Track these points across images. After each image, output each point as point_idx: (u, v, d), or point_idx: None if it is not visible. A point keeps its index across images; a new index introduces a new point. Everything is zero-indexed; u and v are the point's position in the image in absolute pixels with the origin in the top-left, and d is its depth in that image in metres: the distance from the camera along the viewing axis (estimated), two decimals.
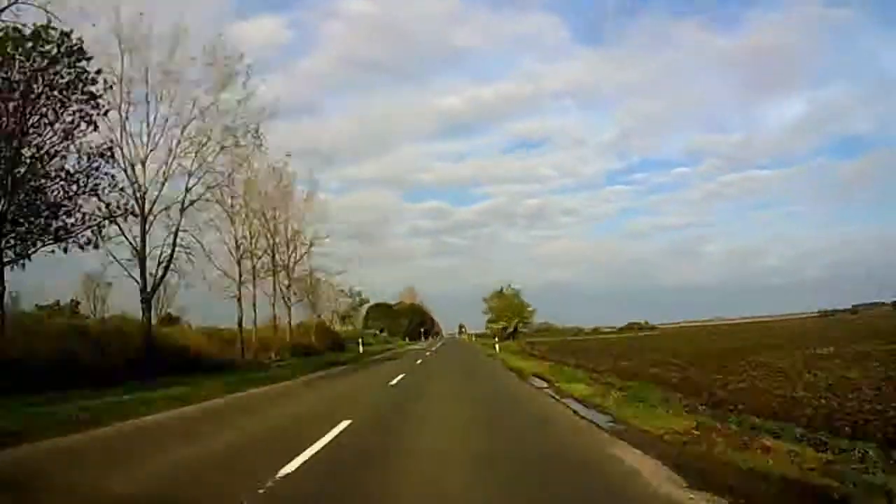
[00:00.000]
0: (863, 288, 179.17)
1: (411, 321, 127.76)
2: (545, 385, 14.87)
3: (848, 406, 8.47)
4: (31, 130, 18.09)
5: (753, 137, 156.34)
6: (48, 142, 18.59)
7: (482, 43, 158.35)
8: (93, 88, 19.60)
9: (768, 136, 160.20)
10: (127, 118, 23.49)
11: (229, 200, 32.31)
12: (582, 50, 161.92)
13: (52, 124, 18.49)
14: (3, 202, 17.24)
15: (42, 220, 18.60)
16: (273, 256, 39.17)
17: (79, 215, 19.63)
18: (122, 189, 21.66)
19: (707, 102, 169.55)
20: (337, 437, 8.18)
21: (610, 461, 6.20)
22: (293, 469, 6.16)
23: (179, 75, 24.30)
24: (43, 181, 18.66)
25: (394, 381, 18.17)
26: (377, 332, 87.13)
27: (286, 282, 41.10)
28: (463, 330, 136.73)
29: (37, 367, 15.82)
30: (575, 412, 9.86)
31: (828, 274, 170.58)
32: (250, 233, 35.35)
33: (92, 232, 20.18)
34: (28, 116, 17.84)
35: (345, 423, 9.14)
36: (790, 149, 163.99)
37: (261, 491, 5.30)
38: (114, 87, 21.58)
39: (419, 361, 31.82)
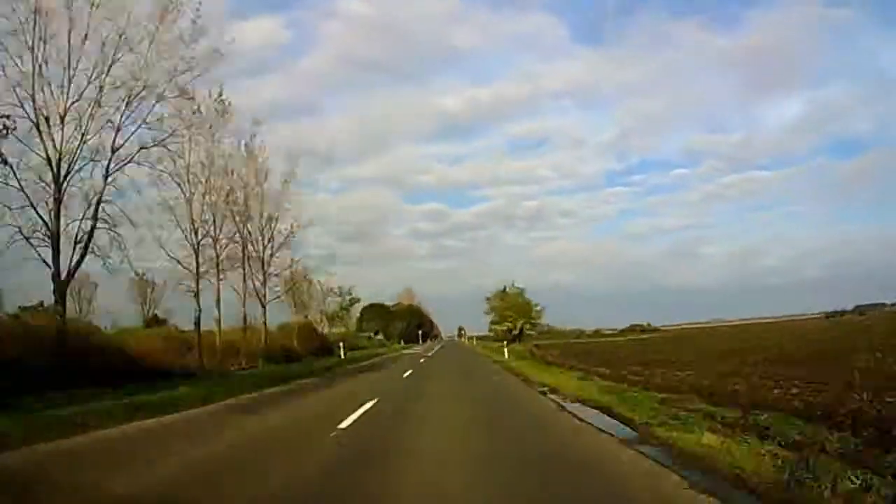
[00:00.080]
0: (863, 288, 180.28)
1: (409, 323, 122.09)
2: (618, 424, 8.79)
3: None
4: None
5: (753, 138, 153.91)
6: None
7: (481, 43, 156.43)
8: None
9: (768, 137, 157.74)
10: (45, 62, 18.12)
11: (183, 173, 26.79)
12: (581, 50, 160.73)
13: None
14: None
15: None
16: (244, 247, 33.56)
17: None
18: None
19: (706, 102, 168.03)
20: None
21: None
22: None
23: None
24: None
25: (349, 421, 10.11)
26: (371, 334, 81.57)
27: (260, 276, 35.49)
28: (462, 333, 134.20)
29: None
30: None
31: (828, 274, 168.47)
32: (213, 215, 29.74)
33: None
34: None
35: None
36: (790, 149, 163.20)
37: None
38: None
39: (408, 373, 25.30)
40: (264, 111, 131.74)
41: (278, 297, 36.90)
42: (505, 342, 56.38)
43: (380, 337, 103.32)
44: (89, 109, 18.71)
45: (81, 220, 18.83)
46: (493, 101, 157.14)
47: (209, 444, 8.65)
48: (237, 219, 32.16)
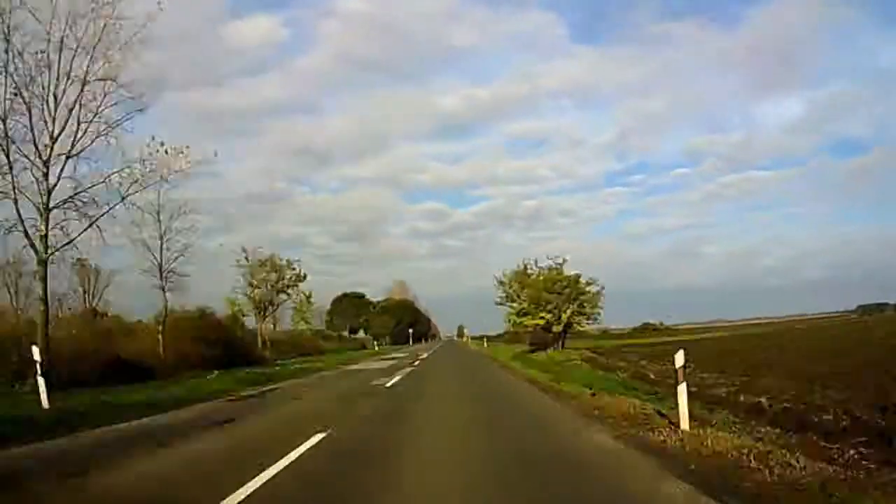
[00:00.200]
0: (863, 289, 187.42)
1: (399, 321, 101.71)
2: None
3: None
4: None
5: (753, 138, 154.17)
6: None
7: (480, 42, 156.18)
8: None
9: (768, 137, 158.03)
10: None
11: None
12: (580, 49, 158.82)
13: None
14: None
15: None
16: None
17: None
18: None
19: (706, 102, 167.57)
20: None
21: None
22: None
23: None
24: None
25: None
26: (344, 333, 61.25)
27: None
28: (464, 333, 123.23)
29: None
30: None
31: (828, 274, 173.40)
32: None
33: None
34: None
35: None
36: (790, 149, 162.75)
37: None
38: None
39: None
40: (263, 110, 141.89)
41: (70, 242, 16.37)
42: (530, 345, 36.38)
43: (364, 336, 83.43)
44: None
45: None
46: (492, 100, 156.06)
47: None
48: None
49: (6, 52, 15.40)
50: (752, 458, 5.46)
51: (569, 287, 31.05)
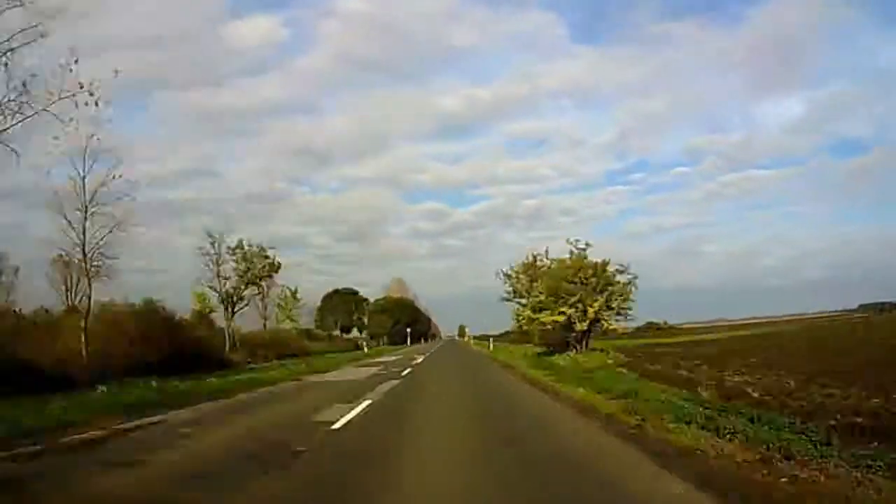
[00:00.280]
0: (863, 289, 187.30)
1: (397, 320, 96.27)
2: None
3: None
4: None
5: (753, 137, 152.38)
6: None
7: (480, 42, 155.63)
8: None
9: (768, 136, 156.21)
10: None
11: None
12: (580, 49, 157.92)
13: None
14: None
15: None
16: None
17: None
18: None
19: (706, 102, 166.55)
20: None
21: None
22: None
23: None
24: None
25: None
26: (335, 332, 55.84)
27: None
28: (465, 332, 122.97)
29: None
30: None
31: (828, 274, 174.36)
32: None
33: None
34: None
35: None
36: (790, 149, 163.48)
37: None
38: None
39: None
40: (263, 110, 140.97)
41: None
42: (544, 347, 31.00)
43: (359, 335, 77.97)
44: None
45: None
46: (493, 100, 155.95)
47: None
48: None
49: None
50: None
51: (595, 275, 25.51)
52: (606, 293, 25.18)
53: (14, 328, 19.61)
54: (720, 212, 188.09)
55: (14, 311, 23.27)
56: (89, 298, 20.15)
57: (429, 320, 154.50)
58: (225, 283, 31.59)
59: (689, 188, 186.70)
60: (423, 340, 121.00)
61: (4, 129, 12.60)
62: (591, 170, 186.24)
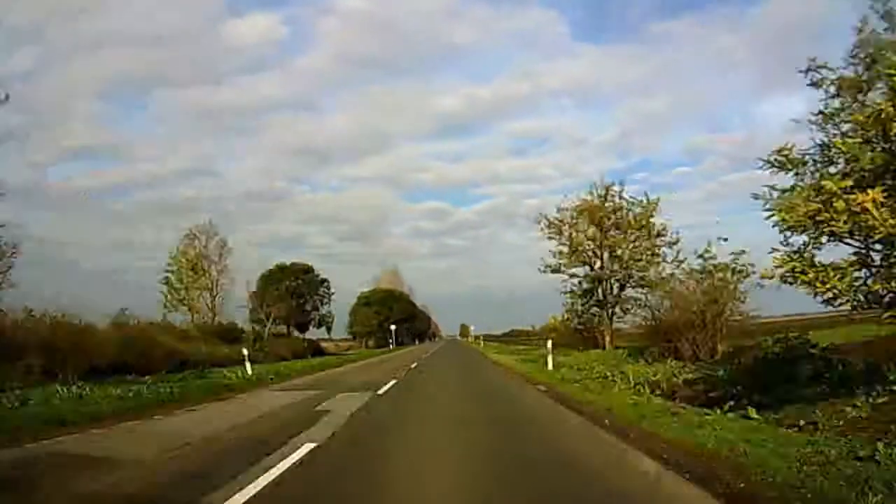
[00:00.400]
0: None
1: (386, 317, 77.57)
2: None
3: None
4: None
5: (755, 136, 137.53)
6: None
7: (480, 40, 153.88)
8: None
9: (770, 136, 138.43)
10: None
11: None
12: (581, 47, 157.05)
13: None
14: None
15: None
16: None
17: None
18: None
19: (707, 101, 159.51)
20: None
21: None
22: None
23: None
24: None
25: None
26: (266, 325, 36.81)
27: None
28: (469, 332, 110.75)
29: None
30: None
31: None
32: None
33: None
34: None
35: None
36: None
37: None
38: None
39: None
40: (263, 108, 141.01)
41: None
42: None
43: (327, 337, 59.37)
44: None
45: None
46: (493, 99, 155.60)
47: None
48: None
49: None
50: None
51: None
52: None
53: None
54: (722, 212, 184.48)
55: None
56: None
57: (429, 319, 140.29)
58: None
59: (690, 188, 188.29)
60: (419, 341, 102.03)
61: None
62: (593, 169, 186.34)
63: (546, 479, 5.47)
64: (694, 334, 16.66)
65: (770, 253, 8.54)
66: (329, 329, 54.41)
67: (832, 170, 8.44)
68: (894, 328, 9.06)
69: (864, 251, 8.01)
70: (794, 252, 8.20)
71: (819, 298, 8.06)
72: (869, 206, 6.59)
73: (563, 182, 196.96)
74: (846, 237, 7.81)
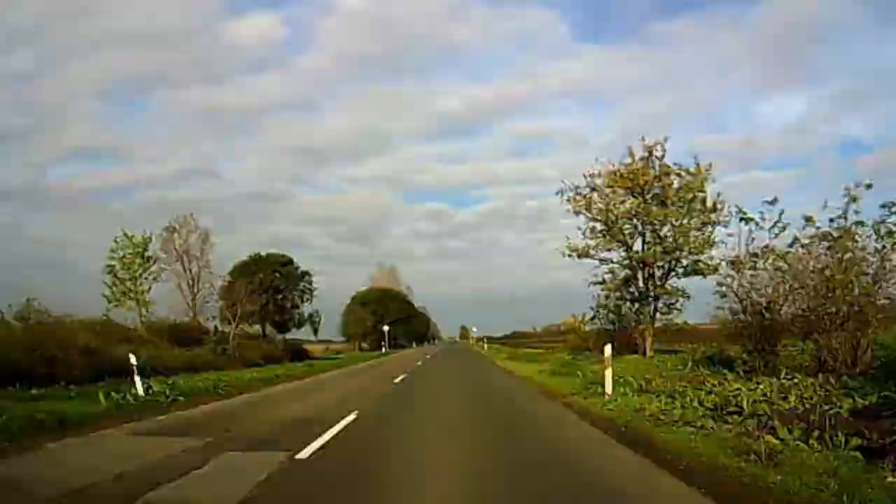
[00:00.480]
0: None
1: (381, 319, 71.33)
2: None
3: None
4: None
5: (756, 137, 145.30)
6: None
7: (481, 40, 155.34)
8: None
9: (771, 137, 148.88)
10: None
11: None
12: (582, 47, 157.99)
13: None
14: None
15: None
16: None
17: None
18: None
19: (708, 102, 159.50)
20: None
21: None
22: None
23: None
24: None
25: None
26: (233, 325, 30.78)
27: None
28: (469, 335, 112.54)
29: None
30: None
31: None
32: None
33: None
34: None
35: None
36: (793, 149, 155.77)
37: None
38: None
39: None
40: (263, 108, 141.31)
41: None
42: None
43: (314, 339, 52.99)
44: None
45: None
46: (494, 99, 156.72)
47: None
48: None
49: None
50: None
51: None
52: None
53: None
54: (723, 212, 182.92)
55: None
56: None
57: (427, 321, 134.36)
58: None
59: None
60: (415, 343, 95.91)
61: None
62: (594, 171, 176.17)
63: None
64: (831, 331, 10.59)
65: None
66: (316, 330, 48.29)
67: None
68: None
69: None
70: None
71: None
72: None
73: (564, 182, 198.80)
74: None
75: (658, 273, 22.17)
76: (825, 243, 11.65)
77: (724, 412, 8.48)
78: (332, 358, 44.93)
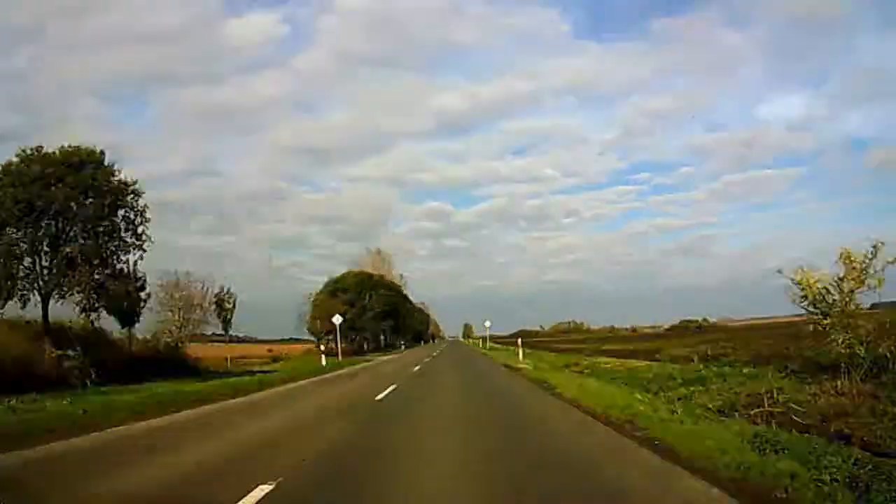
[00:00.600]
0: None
1: (363, 309, 54.35)
2: None
3: None
4: None
5: (758, 136, 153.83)
6: None
7: (481, 38, 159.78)
8: None
9: (773, 135, 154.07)
10: None
11: None
12: (583, 45, 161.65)
13: None
14: None
15: None
16: None
17: None
18: None
19: (710, 100, 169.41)
20: None
21: None
22: None
23: None
24: None
25: None
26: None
27: None
28: (472, 333, 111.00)
29: None
30: None
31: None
32: None
33: None
34: None
35: None
36: (795, 147, 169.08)
37: None
38: None
39: None
40: (263, 107, 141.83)
41: None
42: None
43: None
44: None
45: None
46: (495, 98, 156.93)
47: None
48: None
49: None
50: None
51: None
52: None
53: None
54: (725, 211, 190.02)
55: None
56: None
57: (427, 317, 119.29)
58: None
59: (694, 188, 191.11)
60: (403, 346, 77.23)
61: None
62: (595, 169, 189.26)
63: None
64: None
65: None
66: (227, 323, 30.49)
67: None
68: None
69: None
70: None
71: None
72: None
73: (565, 182, 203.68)
74: None
75: None
76: None
77: None
78: (253, 370, 28.44)
